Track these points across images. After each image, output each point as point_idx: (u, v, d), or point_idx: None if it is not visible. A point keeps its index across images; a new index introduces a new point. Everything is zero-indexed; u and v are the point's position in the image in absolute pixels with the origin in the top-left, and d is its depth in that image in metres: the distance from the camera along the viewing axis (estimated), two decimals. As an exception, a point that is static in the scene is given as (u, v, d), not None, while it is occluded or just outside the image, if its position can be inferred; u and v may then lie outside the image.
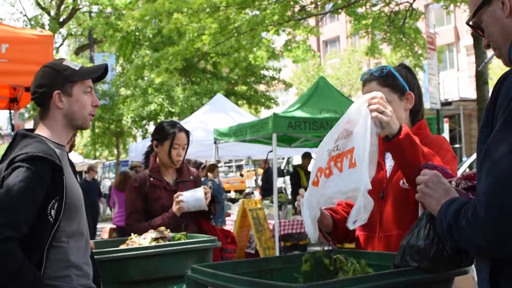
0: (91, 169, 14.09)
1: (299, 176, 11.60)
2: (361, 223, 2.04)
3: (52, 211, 2.31)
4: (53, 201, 2.31)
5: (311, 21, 16.35)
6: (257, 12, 13.09)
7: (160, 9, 12.89)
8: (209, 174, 12.13)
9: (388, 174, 2.51)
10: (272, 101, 25.59)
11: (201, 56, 19.92)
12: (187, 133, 4.07)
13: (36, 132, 2.49)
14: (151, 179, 3.93)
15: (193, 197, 3.80)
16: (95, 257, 2.96)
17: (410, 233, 1.89)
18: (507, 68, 1.66)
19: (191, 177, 4.09)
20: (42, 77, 2.51)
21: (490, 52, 12.43)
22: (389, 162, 2.52)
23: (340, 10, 14.63)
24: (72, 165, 2.63)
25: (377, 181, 2.44)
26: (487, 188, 1.52)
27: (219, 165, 17.50)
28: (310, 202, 2.22)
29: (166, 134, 3.96)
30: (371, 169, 2.02)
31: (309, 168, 12.59)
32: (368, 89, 2.53)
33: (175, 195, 3.81)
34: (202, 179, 11.78)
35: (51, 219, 2.31)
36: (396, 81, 2.53)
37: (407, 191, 2.30)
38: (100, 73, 2.58)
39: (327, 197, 2.15)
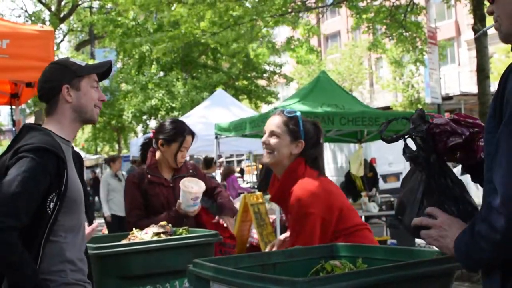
0: (135, 162, 12.44)
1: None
2: None
3: (51, 203, 2.31)
4: (54, 193, 2.31)
5: (312, 18, 16.30)
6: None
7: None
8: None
9: None
10: (273, 95, 25.47)
11: (201, 50, 19.78)
12: (193, 135, 4.07)
13: (43, 126, 2.50)
14: (149, 175, 3.93)
15: (186, 204, 3.79)
16: (97, 251, 2.96)
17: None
18: (509, 63, 1.64)
19: (190, 171, 4.08)
20: (50, 72, 2.54)
21: (490, 47, 12.39)
22: None
23: (341, 4, 14.59)
24: (80, 161, 2.63)
25: None
26: (501, 179, 1.51)
27: (220, 160, 17.37)
28: None
29: (176, 136, 3.92)
30: None
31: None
32: (271, 120, 2.90)
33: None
34: (211, 175, 11.77)
35: (49, 211, 2.31)
36: (296, 127, 2.84)
37: None
38: (106, 68, 2.63)
39: None
